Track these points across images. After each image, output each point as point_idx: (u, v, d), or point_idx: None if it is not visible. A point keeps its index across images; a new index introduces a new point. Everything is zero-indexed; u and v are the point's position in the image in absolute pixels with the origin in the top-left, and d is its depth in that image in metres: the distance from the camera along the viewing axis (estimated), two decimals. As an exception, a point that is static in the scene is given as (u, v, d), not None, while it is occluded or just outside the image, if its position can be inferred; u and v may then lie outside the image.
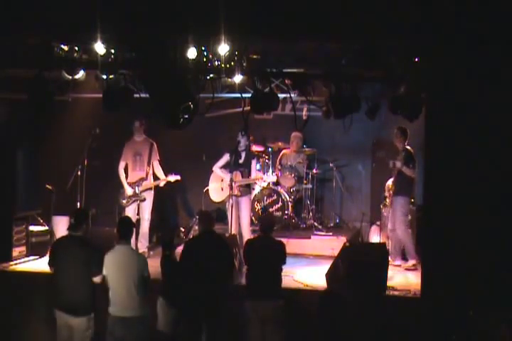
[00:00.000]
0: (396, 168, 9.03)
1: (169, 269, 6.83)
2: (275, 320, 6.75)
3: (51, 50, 7.46)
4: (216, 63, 7.34)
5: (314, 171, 10.85)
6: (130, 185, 9.48)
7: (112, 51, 7.42)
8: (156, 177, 9.59)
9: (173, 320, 6.76)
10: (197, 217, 10.47)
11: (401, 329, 6.96)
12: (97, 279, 6.43)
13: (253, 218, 10.02)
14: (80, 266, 6.38)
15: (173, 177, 9.54)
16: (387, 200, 9.45)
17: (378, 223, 9.93)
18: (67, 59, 7.63)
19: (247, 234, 9.13)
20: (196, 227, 10.35)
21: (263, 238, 7.03)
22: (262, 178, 9.75)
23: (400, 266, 9.00)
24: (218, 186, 9.64)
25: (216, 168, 9.54)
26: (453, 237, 6.89)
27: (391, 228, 9.23)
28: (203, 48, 7.25)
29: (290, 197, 10.57)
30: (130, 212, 9.41)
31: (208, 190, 9.93)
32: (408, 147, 9.01)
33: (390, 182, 9.39)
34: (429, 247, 7.27)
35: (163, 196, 10.22)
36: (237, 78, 7.80)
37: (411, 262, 8.99)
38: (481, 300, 6.69)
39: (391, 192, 9.24)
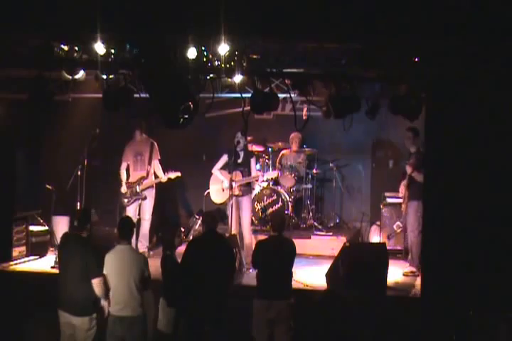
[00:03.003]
0: (407, 173, 8.79)
1: (170, 269, 6.83)
2: (286, 319, 6.77)
3: (51, 50, 7.46)
4: (216, 63, 7.33)
5: (314, 171, 10.86)
6: (131, 184, 9.53)
7: (112, 51, 7.41)
8: (156, 177, 9.62)
9: (173, 320, 6.77)
10: (196, 217, 10.54)
11: (401, 329, 6.96)
12: (96, 281, 6.40)
13: (253, 218, 10.01)
14: (81, 266, 6.38)
15: (173, 174, 9.57)
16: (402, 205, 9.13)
17: (378, 223, 9.94)
18: (67, 59, 7.62)
19: (247, 234, 9.12)
20: (196, 227, 10.42)
21: (276, 237, 7.01)
22: (263, 175, 9.73)
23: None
24: (219, 188, 9.63)
25: (215, 171, 9.54)
26: (453, 237, 6.90)
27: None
28: (203, 48, 7.23)
29: (290, 197, 10.58)
30: (131, 211, 9.43)
31: (208, 192, 9.94)
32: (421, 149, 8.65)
33: (403, 185, 9.07)
34: (429, 247, 7.28)
35: (163, 196, 10.22)
36: (237, 78, 7.79)
37: (410, 269, 8.74)
38: (481, 300, 6.70)
39: (405, 196, 8.96)
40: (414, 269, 8.74)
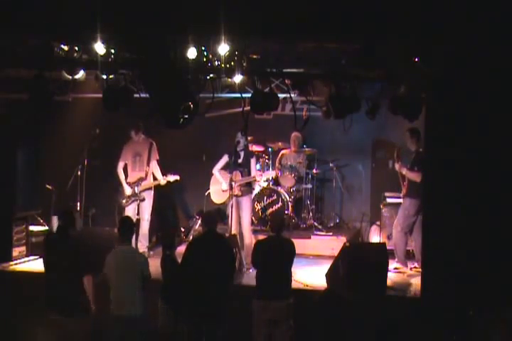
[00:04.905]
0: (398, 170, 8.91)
1: (169, 269, 6.84)
2: (286, 319, 6.77)
3: (51, 50, 7.46)
4: (216, 63, 7.34)
5: (314, 171, 10.86)
6: (129, 184, 9.49)
7: (112, 51, 7.41)
8: (155, 177, 9.59)
9: (173, 320, 6.77)
10: (196, 217, 10.54)
11: (401, 329, 6.96)
12: (89, 278, 6.41)
13: (253, 218, 10.02)
14: (71, 265, 6.38)
15: (172, 177, 9.55)
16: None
17: (378, 223, 9.93)
18: (67, 59, 7.63)
19: (247, 234, 9.12)
20: (196, 227, 10.42)
21: (275, 238, 7.02)
22: (261, 175, 9.73)
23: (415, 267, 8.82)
24: (219, 188, 9.63)
25: (216, 171, 9.53)
26: (453, 237, 6.90)
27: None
28: (203, 48, 7.24)
29: (290, 197, 10.58)
30: (130, 212, 9.41)
31: (209, 193, 9.94)
32: (421, 149, 8.67)
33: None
34: (429, 247, 7.28)
35: (163, 196, 10.22)
36: (237, 78, 7.79)
37: (394, 265, 8.74)
38: (481, 300, 6.70)
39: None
40: (399, 265, 8.80)
